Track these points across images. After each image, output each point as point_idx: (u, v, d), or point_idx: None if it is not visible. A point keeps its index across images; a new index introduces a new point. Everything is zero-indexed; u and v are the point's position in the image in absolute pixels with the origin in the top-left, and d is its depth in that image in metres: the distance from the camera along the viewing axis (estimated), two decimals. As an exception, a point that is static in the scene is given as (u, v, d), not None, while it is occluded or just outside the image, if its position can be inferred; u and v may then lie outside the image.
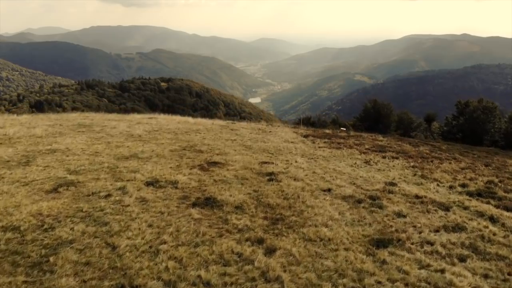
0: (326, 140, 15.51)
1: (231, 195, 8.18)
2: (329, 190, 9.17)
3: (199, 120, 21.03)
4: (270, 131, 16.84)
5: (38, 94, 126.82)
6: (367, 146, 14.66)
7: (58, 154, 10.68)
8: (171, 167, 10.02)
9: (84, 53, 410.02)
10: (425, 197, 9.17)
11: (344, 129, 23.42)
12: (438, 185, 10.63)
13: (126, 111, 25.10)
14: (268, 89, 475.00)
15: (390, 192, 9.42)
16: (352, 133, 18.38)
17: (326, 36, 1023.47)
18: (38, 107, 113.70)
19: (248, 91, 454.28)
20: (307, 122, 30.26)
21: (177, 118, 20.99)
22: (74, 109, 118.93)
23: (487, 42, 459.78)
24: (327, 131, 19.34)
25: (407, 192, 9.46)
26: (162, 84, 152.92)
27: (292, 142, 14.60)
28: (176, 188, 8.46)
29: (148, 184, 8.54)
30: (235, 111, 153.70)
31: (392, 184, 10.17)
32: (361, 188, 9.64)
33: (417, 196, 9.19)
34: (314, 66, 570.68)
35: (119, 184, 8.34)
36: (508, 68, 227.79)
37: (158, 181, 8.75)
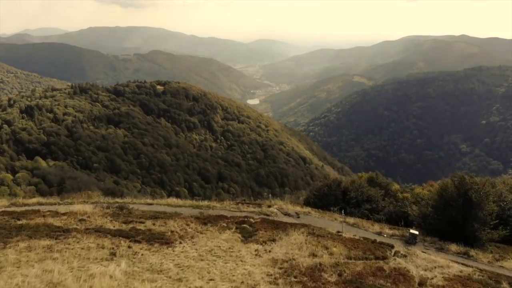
0: None
1: None
2: None
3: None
4: None
5: (29, 99, 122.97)
6: None
7: None
8: None
9: (81, 55, 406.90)
10: None
11: (416, 232, 16.00)
12: None
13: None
14: (267, 90, 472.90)
15: None
16: None
17: (324, 38, 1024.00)
18: (28, 113, 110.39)
19: (247, 92, 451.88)
20: (337, 188, 22.46)
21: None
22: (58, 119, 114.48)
23: (486, 43, 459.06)
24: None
25: None
26: (158, 87, 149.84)
27: None
28: None
29: None
30: (233, 115, 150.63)
31: None
32: None
33: None
34: (312, 67, 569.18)
35: None
36: (509, 70, 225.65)
37: None
